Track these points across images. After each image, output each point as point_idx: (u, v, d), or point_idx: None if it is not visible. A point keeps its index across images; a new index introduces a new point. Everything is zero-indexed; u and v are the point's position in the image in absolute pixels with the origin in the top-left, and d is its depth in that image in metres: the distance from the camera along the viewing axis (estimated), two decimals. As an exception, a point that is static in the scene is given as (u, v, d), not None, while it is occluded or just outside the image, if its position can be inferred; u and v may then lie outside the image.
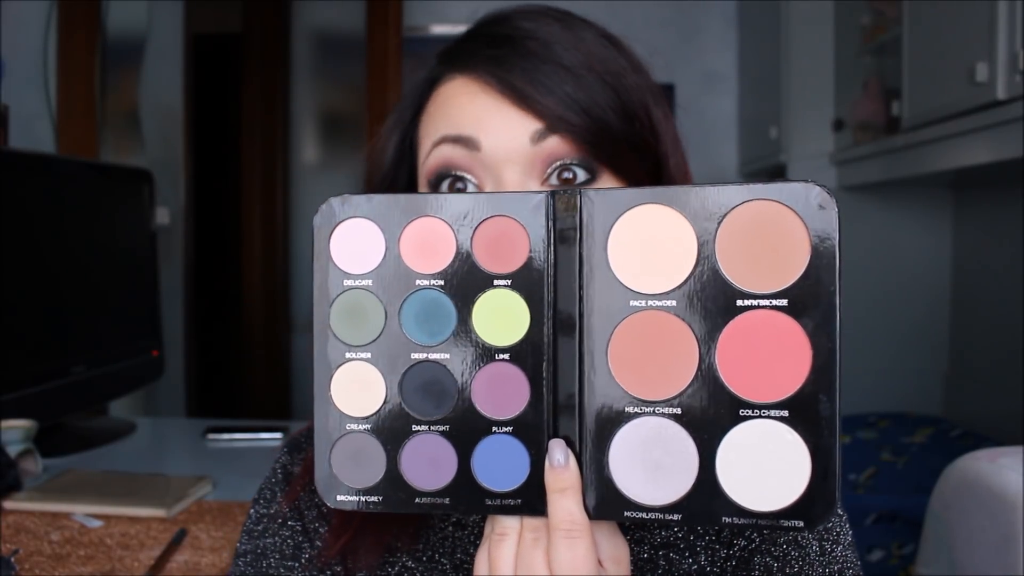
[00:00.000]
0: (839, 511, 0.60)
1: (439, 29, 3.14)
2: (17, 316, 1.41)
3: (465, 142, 0.55)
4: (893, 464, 2.05)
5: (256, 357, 3.37)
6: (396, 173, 0.62)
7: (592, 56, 0.56)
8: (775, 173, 2.80)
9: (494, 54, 0.56)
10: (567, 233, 0.43)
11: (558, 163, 0.54)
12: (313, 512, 0.63)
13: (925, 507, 1.20)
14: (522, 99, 0.54)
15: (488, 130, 0.54)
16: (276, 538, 0.62)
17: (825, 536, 0.58)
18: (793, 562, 0.57)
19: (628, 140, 0.56)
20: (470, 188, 0.55)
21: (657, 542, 0.58)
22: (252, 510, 0.65)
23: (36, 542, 1.06)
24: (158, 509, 1.15)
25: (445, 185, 0.56)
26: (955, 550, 1.11)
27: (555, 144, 0.54)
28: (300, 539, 0.62)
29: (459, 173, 0.56)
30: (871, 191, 2.53)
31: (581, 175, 0.55)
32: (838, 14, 2.56)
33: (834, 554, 0.58)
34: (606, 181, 0.56)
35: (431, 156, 0.56)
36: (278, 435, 1.61)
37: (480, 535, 0.60)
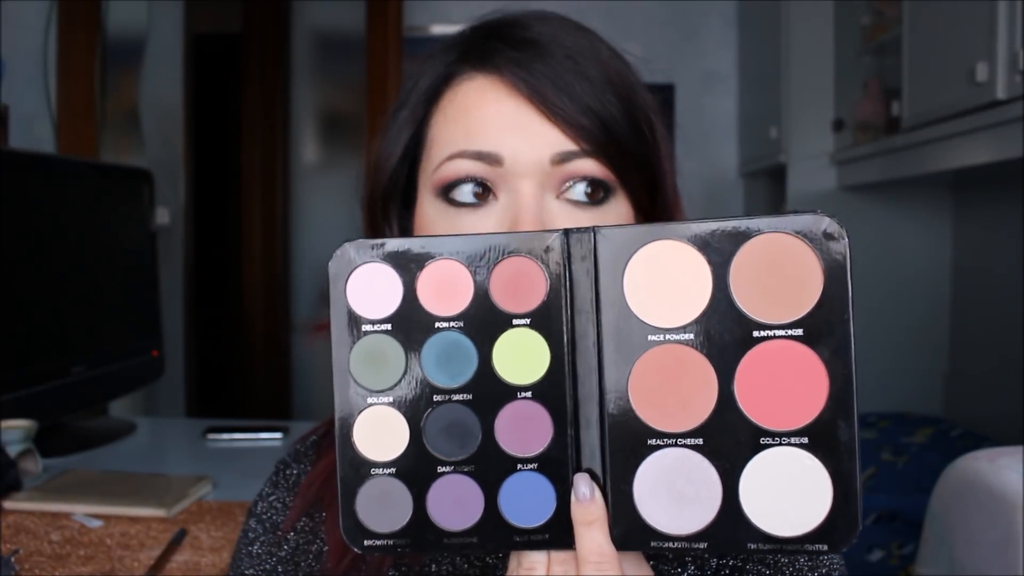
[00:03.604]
0: None
1: (439, 29, 3.14)
2: (17, 316, 1.41)
3: (486, 158, 0.53)
4: (893, 464, 2.05)
5: (256, 357, 3.37)
6: (401, 170, 0.60)
7: (609, 69, 0.56)
8: (775, 173, 2.80)
9: (519, 56, 0.55)
10: (583, 271, 0.44)
11: (577, 178, 0.54)
12: (295, 558, 0.63)
13: (925, 507, 1.20)
14: (548, 109, 0.53)
15: (511, 142, 0.53)
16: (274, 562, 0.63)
17: None
18: (784, 568, 0.58)
19: (637, 156, 0.56)
20: (482, 195, 0.54)
21: (647, 554, 0.58)
22: (239, 544, 0.65)
23: (36, 542, 1.06)
24: (158, 509, 1.15)
25: (456, 191, 0.55)
26: (955, 550, 1.11)
27: (576, 162, 0.54)
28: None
29: (473, 178, 0.54)
30: (871, 191, 2.53)
31: (597, 192, 0.54)
32: (838, 14, 2.56)
33: (821, 559, 0.58)
34: (618, 198, 0.55)
35: (445, 167, 0.55)
36: (278, 435, 1.61)
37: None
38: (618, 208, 0.56)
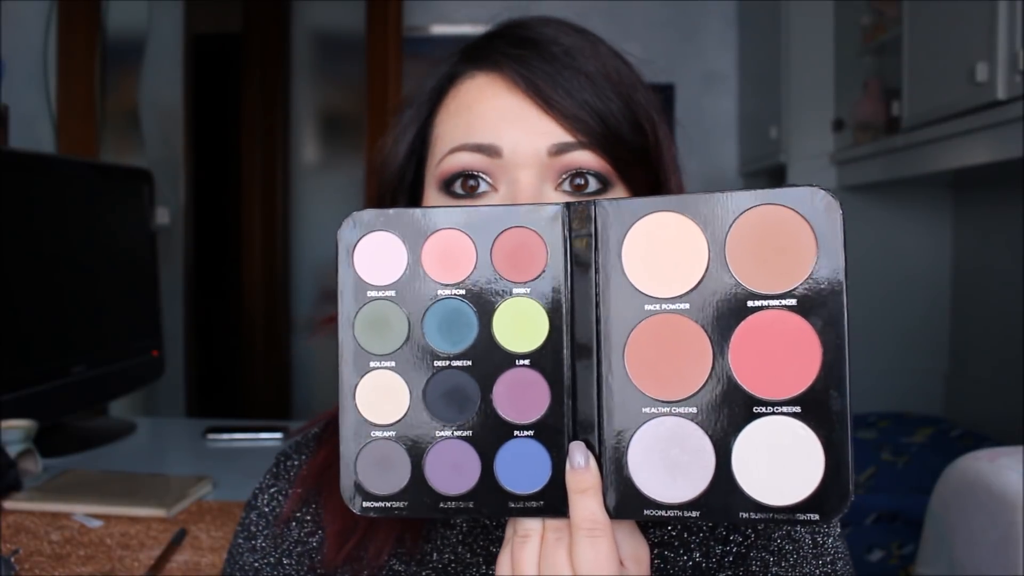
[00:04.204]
0: None
1: (439, 29, 3.13)
2: (17, 316, 1.41)
3: (486, 150, 0.55)
4: (893, 464, 2.05)
5: (256, 357, 3.37)
6: (407, 167, 0.62)
7: (608, 67, 0.58)
8: (775, 173, 2.80)
9: (518, 54, 0.57)
10: (583, 242, 0.45)
11: (574, 170, 0.55)
12: (296, 549, 0.63)
13: (925, 507, 1.20)
14: (545, 102, 0.55)
15: (510, 134, 0.55)
16: (252, 569, 0.63)
17: (816, 529, 0.60)
18: (788, 555, 0.58)
19: (637, 152, 0.57)
20: (483, 187, 0.56)
21: (655, 540, 0.59)
22: (237, 537, 0.65)
23: (36, 542, 1.06)
24: (158, 509, 1.15)
25: (458, 184, 0.56)
26: (955, 550, 1.11)
27: (573, 153, 0.55)
28: (275, 573, 0.62)
29: (473, 172, 0.56)
30: (871, 191, 2.53)
31: (593, 184, 0.55)
32: (838, 14, 2.56)
33: (825, 546, 0.59)
34: (616, 191, 0.57)
35: (447, 160, 0.56)
36: (278, 435, 1.61)
37: (467, 534, 0.61)
38: None
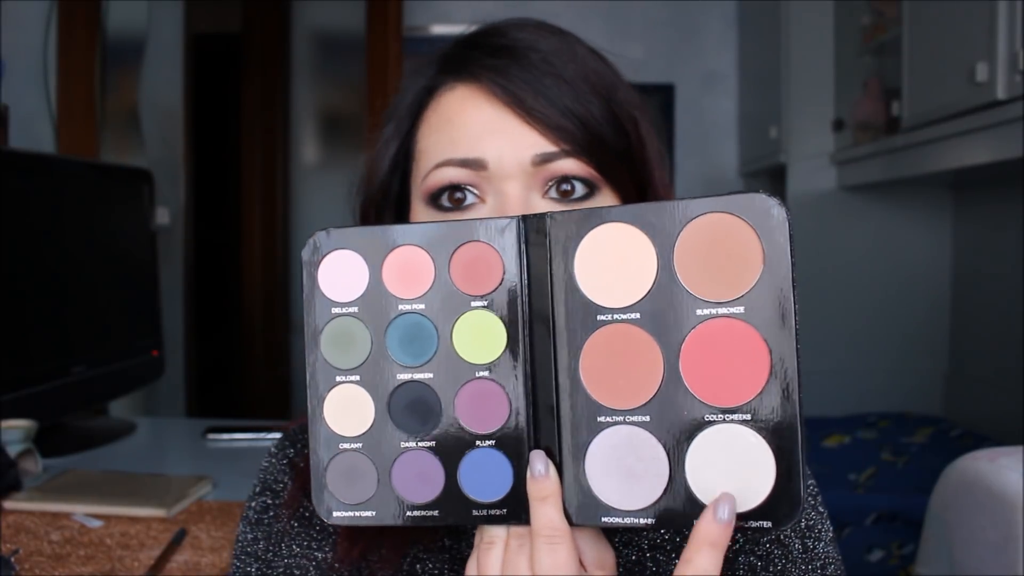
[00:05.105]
0: (820, 508, 0.62)
1: (439, 29, 3.13)
2: (17, 316, 1.41)
3: (471, 164, 0.55)
4: (893, 464, 2.05)
5: (256, 357, 3.37)
6: (391, 181, 0.62)
7: (587, 69, 0.58)
8: (775, 173, 2.80)
9: (496, 63, 0.56)
10: (537, 254, 0.46)
11: (559, 178, 0.56)
12: (313, 530, 0.63)
13: (925, 507, 1.20)
14: (527, 112, 0.55)
15: (493, 147, 0.55)
16: (293, 522, 0.62)
17: (807, 534, 0.60)
18: (776, 560, 0.58)
19: (621, 153, 0.57)
20: (469, 199, 0.56)
21: (645, 545, 0.60)
22: (255, 502, 0.65)
23: (36, 542, 1.06)
24: (158, 509, 1.15)
25: (445, 197, 0.56)
26: (955, 550, 1.11)
27: (558, 162, 0.55)
28: (310, 530, 0.62)
29: (460, 185, 0.56)
30: (871, 191, 2.53)
31: (580, 189, 0.56)
32: (838, 14, 2.56)
33: (816, 551, 0.59)
34: (604, 194, 0.57)
35: (433, 175, 0.56)
36: (278, 435, 1.60)
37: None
38: (604, 203, 0.57)
